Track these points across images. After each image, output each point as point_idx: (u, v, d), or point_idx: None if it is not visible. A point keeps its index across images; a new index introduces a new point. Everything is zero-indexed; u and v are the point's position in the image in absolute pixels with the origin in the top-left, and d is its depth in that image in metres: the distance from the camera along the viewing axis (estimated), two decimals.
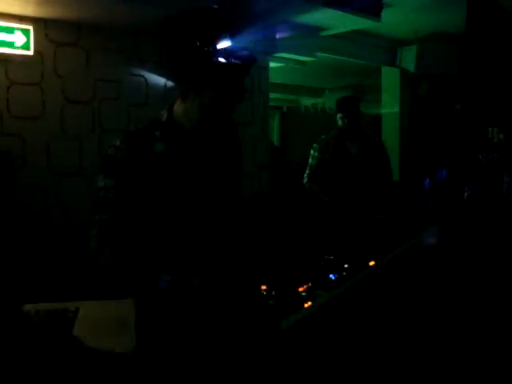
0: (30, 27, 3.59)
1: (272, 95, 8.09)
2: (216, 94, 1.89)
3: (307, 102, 10.00)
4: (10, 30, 3.54)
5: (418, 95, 7.13)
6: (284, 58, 5.12)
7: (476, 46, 2.84)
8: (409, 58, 6.43)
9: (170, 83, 4.26)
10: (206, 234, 2.02)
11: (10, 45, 3.56)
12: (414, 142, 7.09)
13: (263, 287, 2.12)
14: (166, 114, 2.01)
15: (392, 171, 4.26)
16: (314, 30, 4.88)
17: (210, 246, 2.03)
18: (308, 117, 10.07)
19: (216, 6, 3.81)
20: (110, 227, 1.89)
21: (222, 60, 3.86)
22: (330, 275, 2.70)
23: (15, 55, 3.58)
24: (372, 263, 2.61)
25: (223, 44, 4.20)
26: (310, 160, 3.92)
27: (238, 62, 2.19)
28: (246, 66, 2.06)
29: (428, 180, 6.23)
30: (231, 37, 4.23)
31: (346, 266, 2.87)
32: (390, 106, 7.03)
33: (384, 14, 4.60)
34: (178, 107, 1.99)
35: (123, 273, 1.88)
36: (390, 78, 6.98)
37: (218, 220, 2.09)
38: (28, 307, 1.44)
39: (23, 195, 3.54)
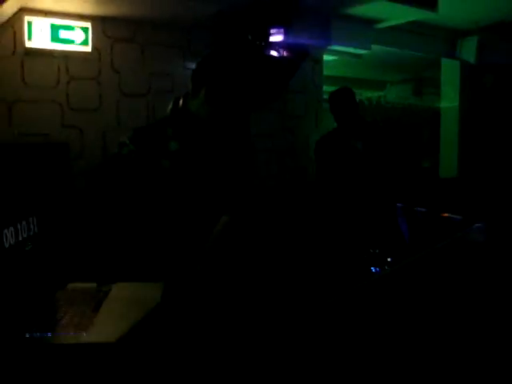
0: (89, 24, 3.75)
1: (331, 88, 8.06)
2: (224, 86, 1.87)
3: (369, 95, 9.87)
4: (71, 28, 3.71)
5: (481, 88, 6.90)
6: (338, 51, 5.08)
7: None
8: (469, 50, 6.23)
9: None
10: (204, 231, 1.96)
11: (70, 42, 3.73)
12: (475, 137, 6.87)
13: None
14: (171, 107, 1.98)
15: (396, 158, 3.92)
16: (369, 23, 4.83)
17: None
18: (371, 110, 9.95)
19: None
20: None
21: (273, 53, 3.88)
22: (372, 268, 2.70)
23: (75, 51, 3.75)
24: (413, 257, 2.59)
25: (275, 38, 4.25)
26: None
27: (289, 55, 2.20)
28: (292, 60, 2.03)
29: None
30: (283, 30, 4.26)
31: (389, 259, 2.85)
32: (449, 100, 6.84)
33: (441, 4, 4.48)
34: (190, 103, 1.95)
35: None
36: (449, 70, 6.79)
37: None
38: (70, 286, 1.54)
39: (80, 185, 3.70)
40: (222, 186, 2.00)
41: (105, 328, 1.22)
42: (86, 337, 1.16)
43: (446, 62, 6.83)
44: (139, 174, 1.84)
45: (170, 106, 2.01)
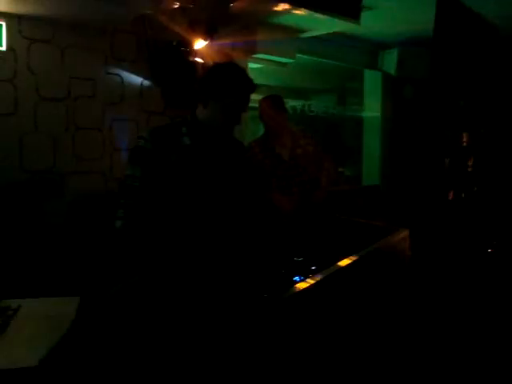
0: (3, 23, 3.54)
1: (257, 97, 8.09)
2: (235, 100, 2.24)
3: (294, 103, 9.99)
4: None
5: (402, 99, 7.16)
6: (263, 59, 5.10)
7: (445, 50, 2.85)
8: (390, 62, 6.46)
9: (146, 82, 4.23)
10: (215, 231, 2.30)
11: None
12: (396, 146, 7.11)
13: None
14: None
15: (334, 169, 3.98)
16: (294, 32, 4.88)
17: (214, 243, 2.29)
18: (295, 118, 10.06)
19: (192, 6, 3.78)
20: (133, 211, 2.18)
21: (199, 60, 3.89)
22: (296, 277, 2.69)
23: None
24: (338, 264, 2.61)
25: (199, 45, 4.21)
26: None
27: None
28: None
29: None
30: (209, 37, 4.23)
31: (313, 268, 2.86)
32: (371, 110, 7.05)
33: (364, 16, 4.61)
34: (200, 112, 2.32)
35: (139, 255, 2.15)
36: (371, 81, 7.01)
37: (228, 217, 2.37)
38: None
39: None
40: (227, 180, 2.36)
41: (18, 350, 1.12)
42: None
43: (368, 73, 7.04)
44: (155, 164, 2.17)
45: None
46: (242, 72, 2.33)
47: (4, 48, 3.55)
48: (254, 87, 2.33)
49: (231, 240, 2.42)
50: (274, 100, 3.68)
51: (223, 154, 2.40)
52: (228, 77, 2.28)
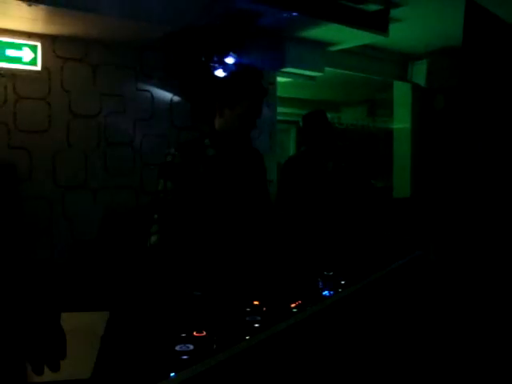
0: (38, 43, 3.66)
1: (287, 110, 8.13)
2: (248, 104, 2.26)
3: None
4: (18, 47, 3.62)
5: (432, 109, 7.09)
6: (292, 73, 5.13)
7: (474, 59, 2.82)
8: (420, 73, 6.41)
9: (176, 98, 4.30)
10: (239, 239, 2.34)
11: (18, 60, 3.63)
12: (427, 157, 7.03)
13: (255, 303, 2.12)
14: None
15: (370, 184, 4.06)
16: (322, 45, 4.90)
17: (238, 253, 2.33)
18: None
19: (218, 23, 3.83)
20: (168, 225, 2.21)
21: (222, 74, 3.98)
22: (325, 292, 2.67)
23: (23, 70, 3.65)
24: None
25: (229, 60, 4.26)
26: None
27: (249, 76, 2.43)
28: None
29: None
30: (238, 52, 4.27)
31: (342, 282, 2.84)
32: (401, 121, 6.99)
33: (393, 28, 4.60)
34: (217, 121, 2.36)
35: (177, 271, 2.19)
36: (401, 92, 6.96)
37: (251, 224, 2.41)
38: None
39: (28, 207, 3.59)
40: (249, 187, 2.44)
41: (69, 363, 1.17)
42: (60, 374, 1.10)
43: (397, 85, 7.00)
44: (185, 177, 2.24)
45: None
46: (253, 77, 2.34)
47: (39, 68, 3.66)
48: (265, 92, 2.34)
49: (261, 247, 2.46)
50: (319, 115, 3.73)
51: (243, 161, 2.44)
52: (238, 83, 2.31)
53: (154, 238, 2.21)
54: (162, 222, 2.23)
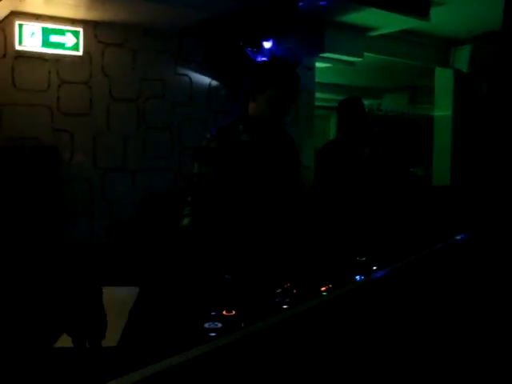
0: (80, 29, 3.75)
1: (327, 96, 8.08)
2: (278, 89, 2.25)
3: (366, 102, 9.83)
4: (62, 32, 3.72)
5: (475, 96, 6.93)
6: (331, 58, 5.10)
7: None
8: (462, 59, 6.26)
9: (214, 82, 4.34)
10: (270, 224, 2.36)
11: (61, 46, 3.74)
12: (469, 145, 6.89)
13: (286, 285, 2.15)
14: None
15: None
16: (361, 31, 4.85)
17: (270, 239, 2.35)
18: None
19: (257, 8, 3.84)
20: (201, 208, 2.27)
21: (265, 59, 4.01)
22: (356, 276, 2.69)
23: (66, 55, 3.75)
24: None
25: (267, 45, 4.27)
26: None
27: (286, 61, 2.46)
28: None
29: None
30: (276, 37, 4.28)
31: (374, 267, 2.84)
32: (442, 109, 6.86)
33: (434, 12, 4.51)
34: (250, 107, 2.37)
35: (208, 253, 2.21)
36: (443, 79, 6.81)
37: (282, 211, 2.43)
38: None
39: (69, 189, 3.71)
40: (282, 173, 2.45)
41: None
42: None
43: (439, 71, 6.85)
44: (220, 162, 2.27)
45: None
46: (286, 64, 2.35)
47: (81, 53, 3.75)
48: (297, 78, 2.32)
49: (294, 230, 2.48)
50: (354, 101, 3.72)
51: (276, 146, 2.46)
52: (270, 68, 2.34)
53: (186, 220, 2.25)
54: (195, 204, 2.27)
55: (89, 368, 1.19)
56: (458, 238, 3.16)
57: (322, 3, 3.89)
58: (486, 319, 2.65)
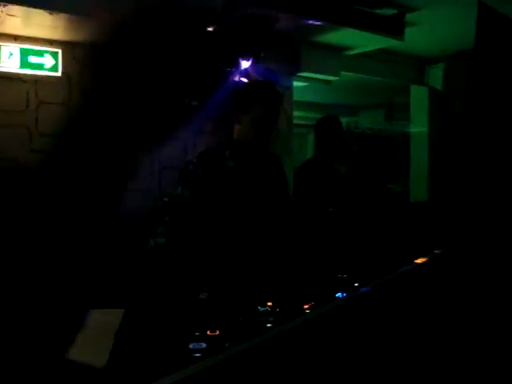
0: (59, 50, 3.75)
1: (305, 114, 8.16)
2: (261, 107, 2.28)
3: (343, 120, 9.92)
4: (40, 53, 3.72)
5: (449, 113, 7.06)
6: (308, 77, 5.17)
7: (486, 62, 2.83)
8: (436, 76, 6.40)
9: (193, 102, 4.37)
10: (255, 245, 2.39)
11: (40, 67, 3.73)
12: (444, 161, 7.00)
13: (269, 304, 2.16)
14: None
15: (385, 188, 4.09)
16: (338, 50, 4.93)
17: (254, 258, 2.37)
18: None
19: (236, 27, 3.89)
20: (177, 230, 2.26)
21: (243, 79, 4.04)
22: (338, 294, 2.70)
23: (44, 76, 3.74)
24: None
25: (246, 64, 4.31)
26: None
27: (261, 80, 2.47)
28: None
29: None
30: (253, 56, 4.32)
31: (356, 284, 2.86)
32: (418, 125, 6.98)
33: (408, 32, 4.61)
34: (235, 130, 2.39)
35: (182, 272, 2.20)
36: (418, 96, 6.95)
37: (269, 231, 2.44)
38: None
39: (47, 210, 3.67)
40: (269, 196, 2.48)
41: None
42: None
43: (414, 89, 6.99)
44: (204, 187, 2.29)
45: None
46: (267, 83, 2.40)
47: (59, 73, 3.75)
48: (279, 96, 2.36)
49: (276, 250, 2.49)
50: (331, 120, 3.76)
51: (262, 170, 2.48)
52: (251, 88, 2.39)
53: (160, 239, 2.25)
54: (172, 225, 2.27)
55: None
56: (437, 252, 3.21)
57: (300, 21, 3.95)
58: (466, 329, 2.68)
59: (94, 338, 1.38)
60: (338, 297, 2.63)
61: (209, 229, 2.34)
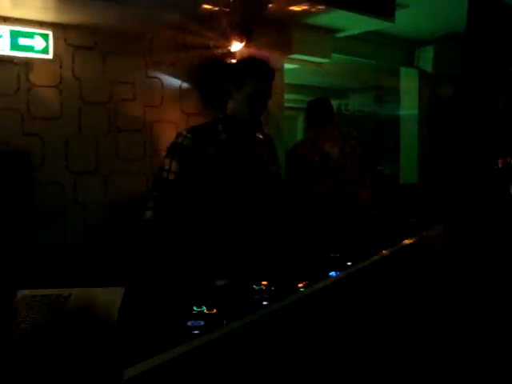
0: (50, 32, 3.72)
1: (295, 96, 8.15)
2: (254, 83, 2.33)
3: (333, 103, 9.94)
4: (31, 35, 3.68)
5: (440, 96, 7.09)
6: (299, 59, 5.17)
7: (478, 44, 2.86)
8: (426, 59, 6.43)
9: (185, 85, 4.36)
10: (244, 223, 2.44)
11: (30, 49, 3.70)
12: (434, 144, 7.05)
13: (264, 283, 2.19)
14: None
15: (374, 169, 4.13)
16: (329, 32, 4.93)
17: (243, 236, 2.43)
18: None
19: (227, 9, 3.88)
20: (165, 204, 2.28)
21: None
22: (331, 272, 2.74)
23: (35, 59, 3.72)
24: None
25: (235, 47, 4.31)
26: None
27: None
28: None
29: None
30: (245, 39, 4.32)
31: (349, 263, 2.91)
32: (408, 108, 7.01)
33: (399, 14, 4.62)
34: (228, 107, 2.44)
35: (169, 246, 2.24)
36: (408, 79, 6.98)
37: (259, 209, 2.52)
38: (24, 292, 1.56)
39: (41, 193, 3.68)
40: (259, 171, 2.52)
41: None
42: None
43: (404, 71, 7.01)
44: (193, 160, 2.30)
45: None
46: (260, 61, 2.43)
47: (51, 56, 3.73)
48: (272, 72, 2.40)
49: (270, 229, 2.53)
50: (322, 102, 3.78)
51: (254, 146, 2.53)
52: (244, 64, 2.44)
53: (149, 213, 2.29)
54: (160, 199, 2.30)
55: None
56: (426, 233, 3.26)
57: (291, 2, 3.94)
58: (457, 312, 2.74)
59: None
60: (332, 275, 2.68)
61: (198, 202, 2.37)
